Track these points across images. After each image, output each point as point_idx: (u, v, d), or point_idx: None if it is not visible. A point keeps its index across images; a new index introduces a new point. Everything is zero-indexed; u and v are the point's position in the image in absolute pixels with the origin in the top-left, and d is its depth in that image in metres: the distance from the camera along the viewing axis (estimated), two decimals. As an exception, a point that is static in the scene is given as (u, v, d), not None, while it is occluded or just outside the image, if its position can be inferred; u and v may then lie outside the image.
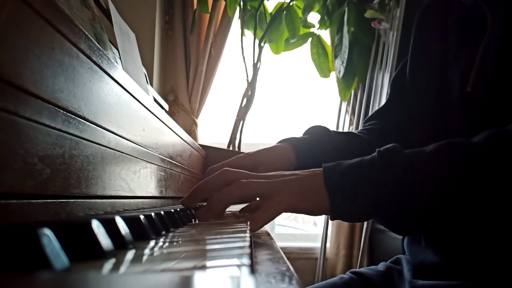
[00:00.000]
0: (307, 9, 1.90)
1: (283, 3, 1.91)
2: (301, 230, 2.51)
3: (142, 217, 0.37)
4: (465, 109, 0.62)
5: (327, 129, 0.76)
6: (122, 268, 0.24)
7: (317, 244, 2.02)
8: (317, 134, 0.75)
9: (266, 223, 0.51)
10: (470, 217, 0.48)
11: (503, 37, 0.58)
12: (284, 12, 1.89)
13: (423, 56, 0.73)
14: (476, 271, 0.59)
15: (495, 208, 0.47)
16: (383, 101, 1.72)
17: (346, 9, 1.84)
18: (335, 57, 1.89)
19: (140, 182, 0.61)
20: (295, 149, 0.71)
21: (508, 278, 0.57)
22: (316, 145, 0.72)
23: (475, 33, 0.62)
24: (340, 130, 2.03)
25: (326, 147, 0.73)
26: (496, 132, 0.48)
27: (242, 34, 1.91)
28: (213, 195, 0.54)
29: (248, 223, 0.49)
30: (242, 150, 1.84)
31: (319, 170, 0.52)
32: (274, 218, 0.51)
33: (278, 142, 0.74)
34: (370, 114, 1.86)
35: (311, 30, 1.97)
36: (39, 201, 0.34)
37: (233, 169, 0.56)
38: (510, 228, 0.55)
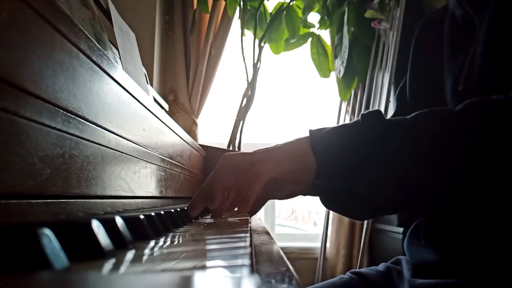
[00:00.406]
0: (307, 9, 1.90)
1: (283, 3, 1.91)
2: (301, 230, 2.51)
3: (142, 217, 0.37)
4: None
5: None
6: (122, 268, 0.24)
7: (317, 244, 2.02)
8: None
9: (255, 193, 0.53)
10: (445, 177, 0.49)
11: (487, 40, 0.61)
12: (284, 12, 1.89)
13: (422, 68, 0.75)
14: (474, 269, 0.60)
15: (469, 170, 0.48)
16: (383, 101, 1.72)
17: (346, 9, 1.84)
18: (335, 57, 1.89)
19: (140, 182, 0.61)
20: None
21: (505, 276, 0.57)
22: None
23: (465, 38, 0.65)
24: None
25: None
26: (474, 100, 0.50)
27: (242, 34, 1.91)
28: (207, 187, 0.56)
29: (248, 221, 0.49)
30: (242, 150, 1.84)
31: (304, 136, 0.54)
32: (261, 186, 0.52)
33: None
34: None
35: (311, 30, 1.97)
36: (39, 201, 0.34)
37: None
38: (506, 225, 0.56)
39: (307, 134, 0.55)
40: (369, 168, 0.50)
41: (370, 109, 0.54)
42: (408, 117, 0.52)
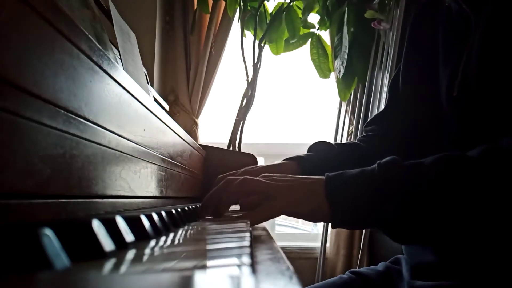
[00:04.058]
0: (307, 10, 1.89)
1: (283, 4, 1.91)
2: (301, 229, 2.51)
3: (142, 217, 0.37)
4: (453, 113, 0.64)
5: (329, 144, 0.81)
6: (123, 268, 0.24)
7: (317, 244, 2.02)
8: (320, 150, 0.78)
9: (264, 221, 0.54)
10: (464, 227, 0.50)
11: (483, 42, 0.59)
12: (284, 13, 1.89)
13: (415, 60, 0.74)
14: (472, 271, 0.60)
15: (488, 217, 0.49)
16: (383, 102, 1.72)
17: (346, 9, 1.84)
18: (335, 57, 1.89)
19: (140, 182, 0.61)
20: (300, 165, 0.75)
21: (501, 278, 0.57)
22: (320, 161, 0.76)
23: (460, 37, 0.64)
24: (340, 130, 2.03)
25: (329, 162, 0.76)
26: (490, 148, 0.50)
27: (242, 34, 1.91)
28: (221, 195, 0.58)
29: (248, 222, 0.49)
30: (242, 150, 1.84)
31: (321, 179, 0.54)
32: (273, 217, 0.54)
33: (284, 160, 0.77)
34: (370, 115, 1.86)
35: (311, 30, 1.97)
36: (40, 201, 0.34)
37: (236, 177, 0.59)
38: (502, 235, 0.56)
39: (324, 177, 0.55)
40: (385, 220, 0.51)
41: (387, 158, 0.53)
42: (425, 163, 0.51)
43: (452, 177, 0.49)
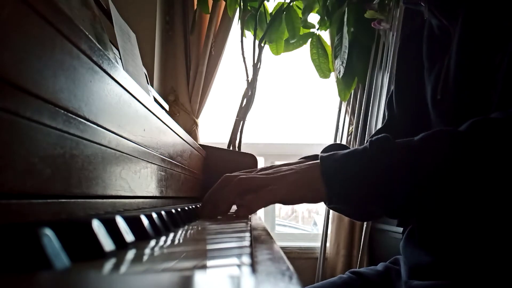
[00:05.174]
0: (307, 10, 1.89)
1: (283, 4, 1.91)
2: (301, 229, 2.51)
3: (142, 216, 0.37)
4: (437, 114, 0.67)
5: (344, 145, 0.82)
6: (123, 268, 0.24)
7: (317, 244, 2.02)
8: (336, 150, 0.80)
9: (260, 208, 0.56)
10: (454, 198, 0.50)
11: (459, 49, 0.62)
12: (284, 13, 1.89)
13: (405, 77, 0.78)
14: (468, 271, 0.60)
15: (478, 190, 0.50)
16: (383, 101, 1.73)
17: (346, 9, 1.84)
18: (335, 57, 1.89)
19: (140, 182, 0.61)
20: None
21: (496, 278, 0.58)
22: None
23: (442, 47, 0.67)
24: (340, 130, 2.03)
25: None
26: (478, 119, 0.51)
27: (242, 34, 1.91)
28: (218, 195, 0.59)
29: (248, 222, 0.50)
30: (242, 150, 1.84)
31: (315, 163, 0.56)
32: (269, 204, 0.56)
33: (300, 159, 0.79)
34: (370, 115, 1.87)
35: (311, 30, 1.97)
36: (40, 201, 0.34)
37: (232, 174, 0.61)
38: (495, 228, 0.57)
39: (318, 160, 0.56)
40: (379, 193, 0.52)
41: (379, 135, 0.55)
42: (415, 138, 0.53)
43: (440, 149, 0.50)
